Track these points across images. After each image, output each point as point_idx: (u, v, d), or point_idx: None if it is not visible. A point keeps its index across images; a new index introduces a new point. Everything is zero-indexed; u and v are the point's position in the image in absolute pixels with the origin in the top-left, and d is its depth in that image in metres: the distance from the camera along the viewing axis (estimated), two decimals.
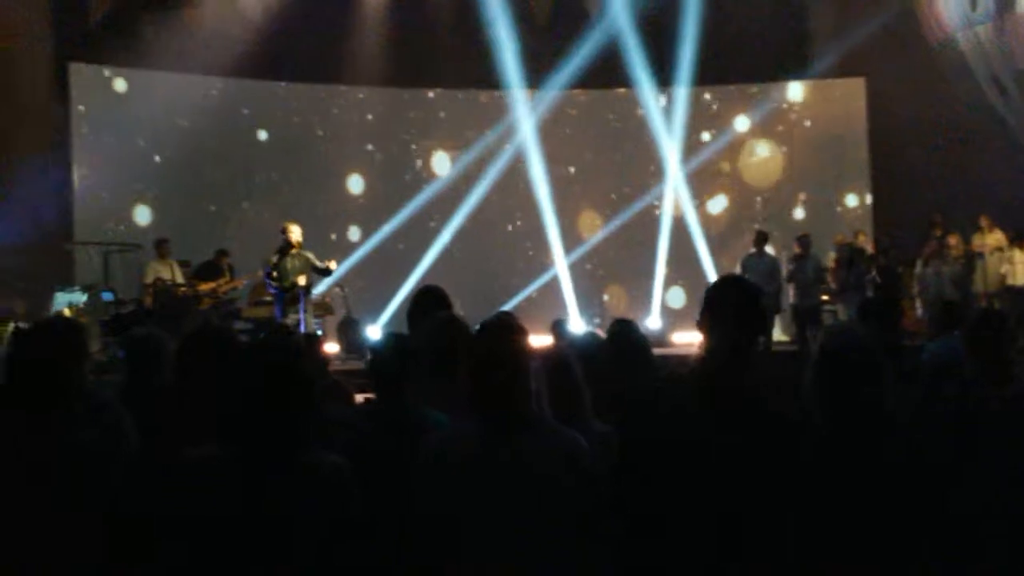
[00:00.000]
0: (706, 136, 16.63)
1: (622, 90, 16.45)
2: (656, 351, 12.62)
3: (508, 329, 3.03)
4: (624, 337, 5.01)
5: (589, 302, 16.22)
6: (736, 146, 16.80)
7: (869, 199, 16.49)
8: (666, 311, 15.93)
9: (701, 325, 3.05)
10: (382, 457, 3.26)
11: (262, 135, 15.90)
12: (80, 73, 14.61)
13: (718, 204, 17.00)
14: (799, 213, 16.55)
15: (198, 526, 2.73)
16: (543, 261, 16.59)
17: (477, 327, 3.14)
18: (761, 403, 2.94)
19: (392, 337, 3.80)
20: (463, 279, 14.42)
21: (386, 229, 15.61)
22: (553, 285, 16.30)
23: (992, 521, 3.30)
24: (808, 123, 16.76)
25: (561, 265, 16.22)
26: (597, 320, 15.02)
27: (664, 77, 15.91)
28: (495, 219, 16.53)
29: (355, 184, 16.49)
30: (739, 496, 2.82)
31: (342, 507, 2.79)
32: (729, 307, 3.02)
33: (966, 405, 4.02)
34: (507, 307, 14.59)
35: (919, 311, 13.13)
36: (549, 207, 16.33)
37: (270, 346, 2.97)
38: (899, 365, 5.04)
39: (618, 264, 16.80)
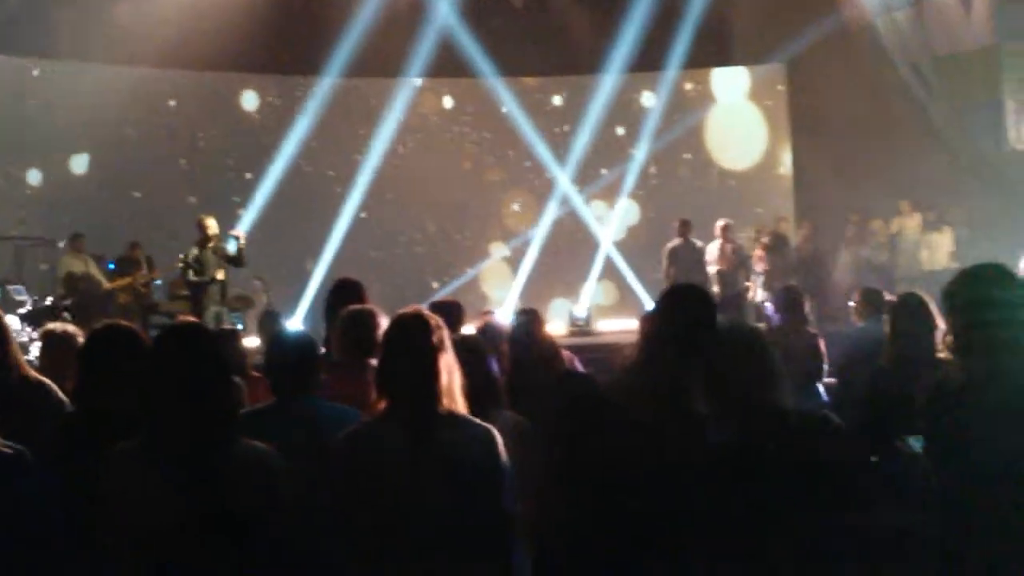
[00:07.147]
0: (620, 129, 16.54)
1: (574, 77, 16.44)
2: (581, 340, 12.67)
3: (421, 322, 2.99)
4: (527, 329, 4.98)
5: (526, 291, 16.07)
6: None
7: (791, 185, 16.62)
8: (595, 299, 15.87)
9: (650, 323, 3.02)
10: (287, 455, 3.17)
11: (182, 125, 15.41)
12: None
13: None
14: (721, 199, 16.50)
15: (132, 521, 2.66)
16: (482, 247, 16.53)
17: (391, 319, 3.09)
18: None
19: (285, 336, 3.76)
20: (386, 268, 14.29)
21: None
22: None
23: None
24: (729, 110, 16.82)
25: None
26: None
27: (585, 66, 15.85)
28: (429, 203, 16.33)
29: None
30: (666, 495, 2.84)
31: (277, 494, 2.76)
32: (688, 323, 3.00)
33: (878, 396, 3.99)
34: (441, 294, 14.55)
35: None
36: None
37: (190, 334, 2.90)
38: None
39: (551, 253, 16.66)
